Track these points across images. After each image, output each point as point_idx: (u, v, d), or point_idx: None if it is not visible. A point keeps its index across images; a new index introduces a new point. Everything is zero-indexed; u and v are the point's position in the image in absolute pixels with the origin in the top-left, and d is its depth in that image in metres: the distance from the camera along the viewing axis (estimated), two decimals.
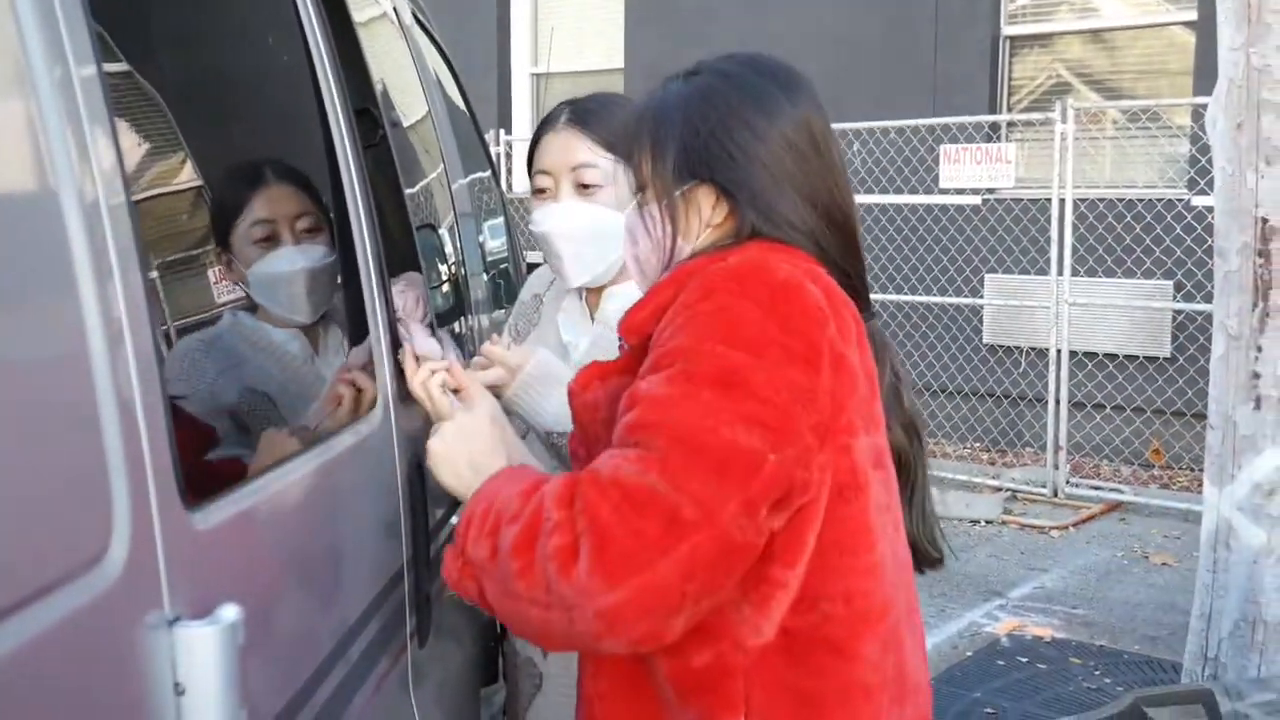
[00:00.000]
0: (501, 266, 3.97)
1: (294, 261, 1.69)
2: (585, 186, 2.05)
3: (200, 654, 1.06)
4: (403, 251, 2.09)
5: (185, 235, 1.43)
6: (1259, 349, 3.60)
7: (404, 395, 1.94)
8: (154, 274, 1.21)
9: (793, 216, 1.53)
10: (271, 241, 1.64)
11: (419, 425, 2.03)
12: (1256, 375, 3.60)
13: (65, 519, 0.97)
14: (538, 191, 2.12)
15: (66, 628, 0.95)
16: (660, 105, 1.60)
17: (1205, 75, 4.26)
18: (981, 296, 8.02)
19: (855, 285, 1.60)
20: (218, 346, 1.54)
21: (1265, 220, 3.59)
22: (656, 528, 1.28)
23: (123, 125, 1.20)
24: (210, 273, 1.48)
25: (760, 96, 1.56)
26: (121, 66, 1.30)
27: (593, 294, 2.20)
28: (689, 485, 1.29)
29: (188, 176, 1.46)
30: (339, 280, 1.82)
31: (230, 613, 1.09)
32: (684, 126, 1.55)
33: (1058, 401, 7.13)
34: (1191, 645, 3.79)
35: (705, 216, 1.56)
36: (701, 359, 1.35)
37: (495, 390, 2.07)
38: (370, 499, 1.73)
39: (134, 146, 1.26)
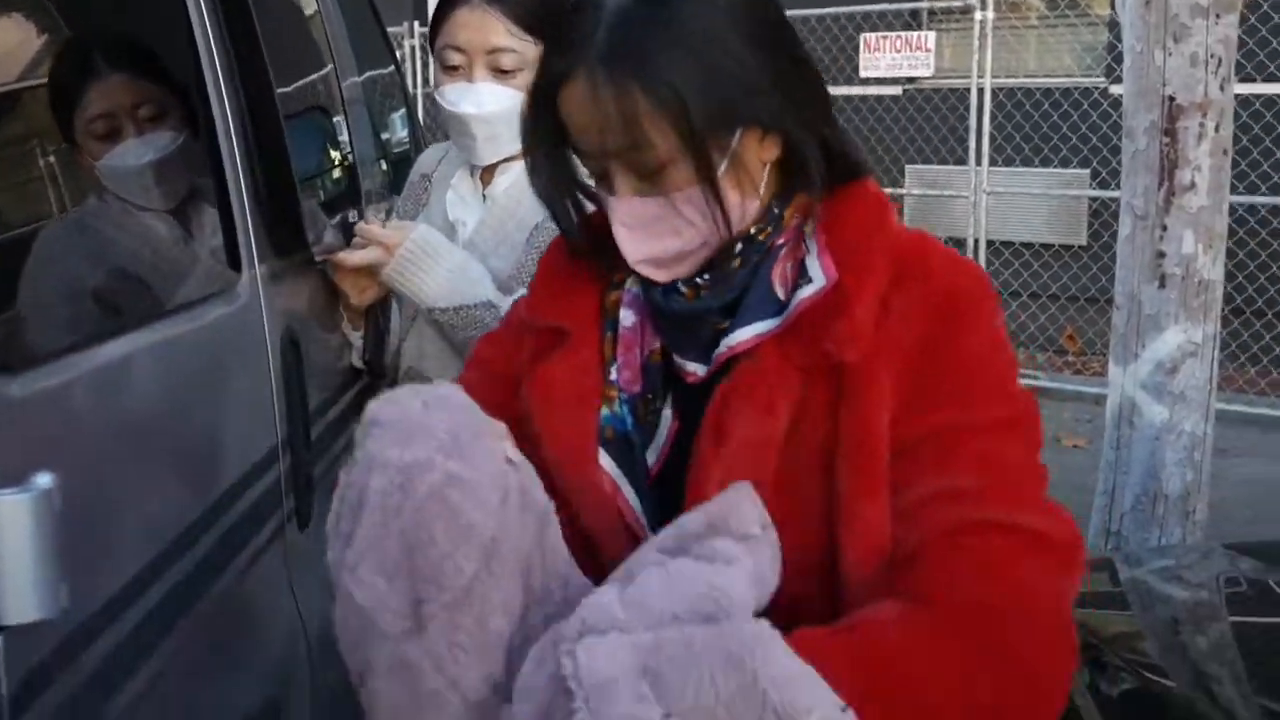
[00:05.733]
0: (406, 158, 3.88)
1: (140, 155, 1.62)
2: (502, 71, 1.96)
3: (9, 522, 1.00)
4: (271, 135, 1.98)
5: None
6: (1164, 228, 3.59)
7: (274, 272, 1.87)
8: None
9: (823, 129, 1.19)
10: (114, 135, 1.57)
11: (292, 301, 1.97)
12: (1161, 254, 3.60)
13: None
14: (449, 68, 2.01)
15: None
16: (692, 25, 1.11)
17: None
18: (903, 187, 8.00)
19: None
20: (76, 228, 1.47)
21: (1172, 99, 3.56)
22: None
23: None
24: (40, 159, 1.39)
25: None
26: None
27: (486, 171, 2.12)
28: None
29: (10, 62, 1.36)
30: (196, 161, 1.74)
31: (44, 480, 1.03)
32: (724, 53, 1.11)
33: None
34: (1095, 521, 3.85)
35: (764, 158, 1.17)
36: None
37: (373, 269, 2.01)
38: (232, 375, 1.66)
39: None
